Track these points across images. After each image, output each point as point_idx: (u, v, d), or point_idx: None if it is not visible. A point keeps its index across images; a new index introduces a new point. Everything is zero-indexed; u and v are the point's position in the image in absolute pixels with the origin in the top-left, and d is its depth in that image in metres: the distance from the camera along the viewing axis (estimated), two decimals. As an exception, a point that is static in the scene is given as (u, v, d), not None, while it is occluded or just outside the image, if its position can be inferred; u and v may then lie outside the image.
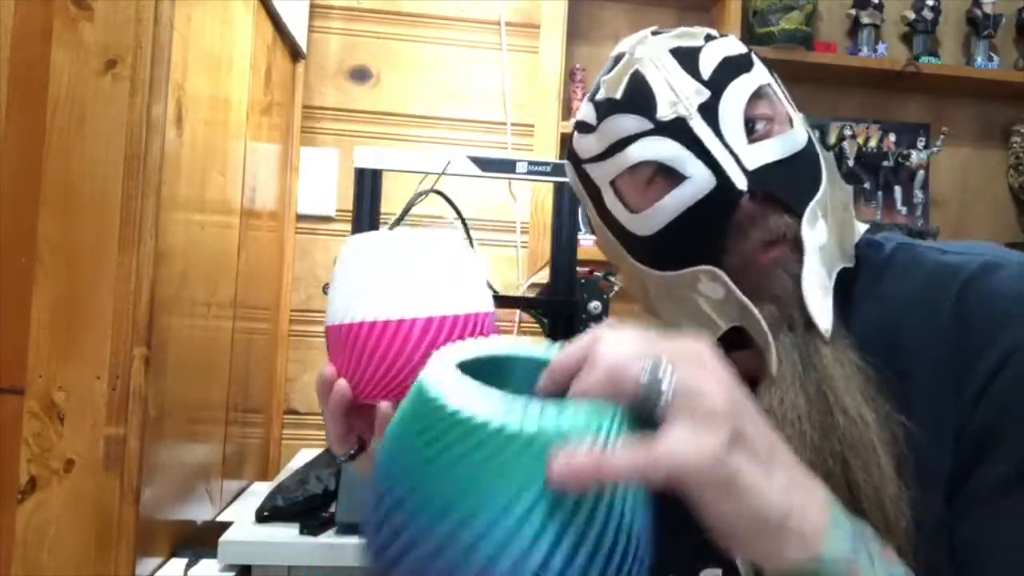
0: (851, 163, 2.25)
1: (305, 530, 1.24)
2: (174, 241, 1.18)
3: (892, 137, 2.28)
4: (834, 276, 0.69)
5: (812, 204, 0.70)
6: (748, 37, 2.09)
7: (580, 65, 2.14)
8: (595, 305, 1.43)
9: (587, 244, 1.77)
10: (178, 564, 1.22)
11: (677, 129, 0.70)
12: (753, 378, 0.65)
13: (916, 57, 2.21)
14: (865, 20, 2.23)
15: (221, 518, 1.46)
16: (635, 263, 0.74)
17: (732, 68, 0.72)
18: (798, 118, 0.74)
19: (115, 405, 1.08)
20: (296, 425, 1.94)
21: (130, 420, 1.08)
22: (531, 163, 1.50)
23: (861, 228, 0.77)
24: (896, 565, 0.56)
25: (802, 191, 0.70)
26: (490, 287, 0.76)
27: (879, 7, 2.23)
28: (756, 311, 0.67)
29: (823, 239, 0.69)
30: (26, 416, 1.06)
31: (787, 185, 0.70)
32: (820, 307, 0.67)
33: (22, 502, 1.06)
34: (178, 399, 1.24)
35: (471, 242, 1.46)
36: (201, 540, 1.29)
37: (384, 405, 0.66)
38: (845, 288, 0.70)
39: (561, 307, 1.46)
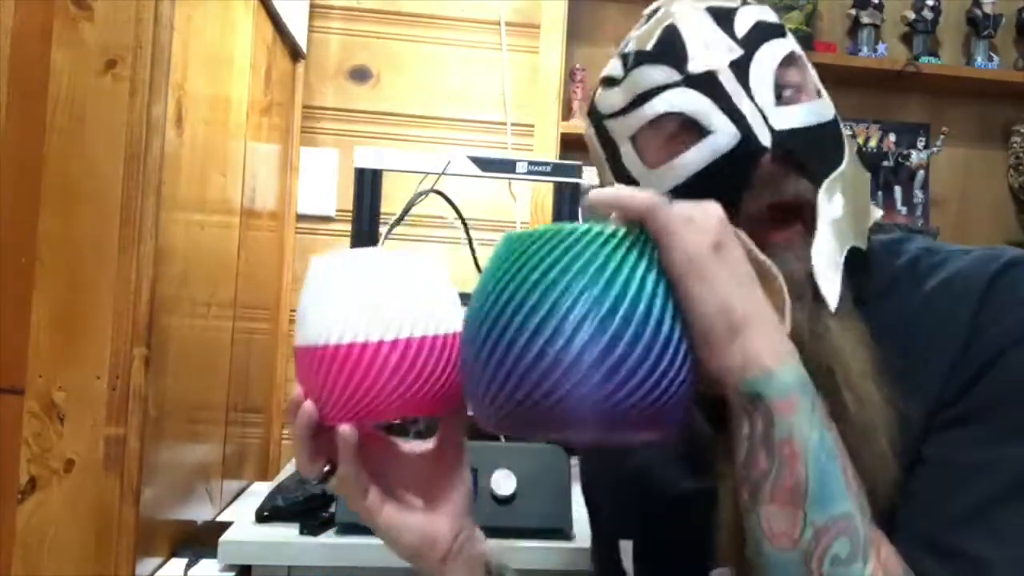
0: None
1: (305, 530, 1.24)
2: (174, 241, 1.18)
3: (892, 137, 2.28)
4: (844, 252, 0.69)
5: (834, 176, 0.70)
6: (748, 37, 2.09)
7: (580, 65, 2.14)
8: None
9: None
10: (178, 564, 1.22)
11: (706, 83, 0.70)
12: None
13: (916, 57, 2.21)
14: (865, 20, 2.23)
15: (221, 518, 1.46)
16: None
17: (766, 32, 0.72)
18: (825, 92, 0.74)
19: (115, 405, 1.08)
20: (296, 425, 1.92)
21: (130, 420, 1.08)
22: (531, 163, 1.50)
23: (877, 213, 0.77)
24: (832, 430, 0.60)
25: (825, 161, 0.71)
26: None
27: (879, 7, 2.23)
28: (774, 267, 0.66)
29: (839, 212, 0.69)
30: (26, 416, 1.06)
31: (811, 151, 0.70)
32: (829, 281, 0.68)
33: (22, 502, 1.06)
34: (178, 399, 1.24)
35: (471, 242, 1.46)
36: (201, 540, 1.29)
37: (344, 428, 0.65)
38: (857, 284, 0.70)
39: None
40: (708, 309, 0.59)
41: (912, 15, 2.25)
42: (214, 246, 1.41)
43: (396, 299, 0.65)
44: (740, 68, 0.70)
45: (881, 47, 2.23)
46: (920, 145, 2.28)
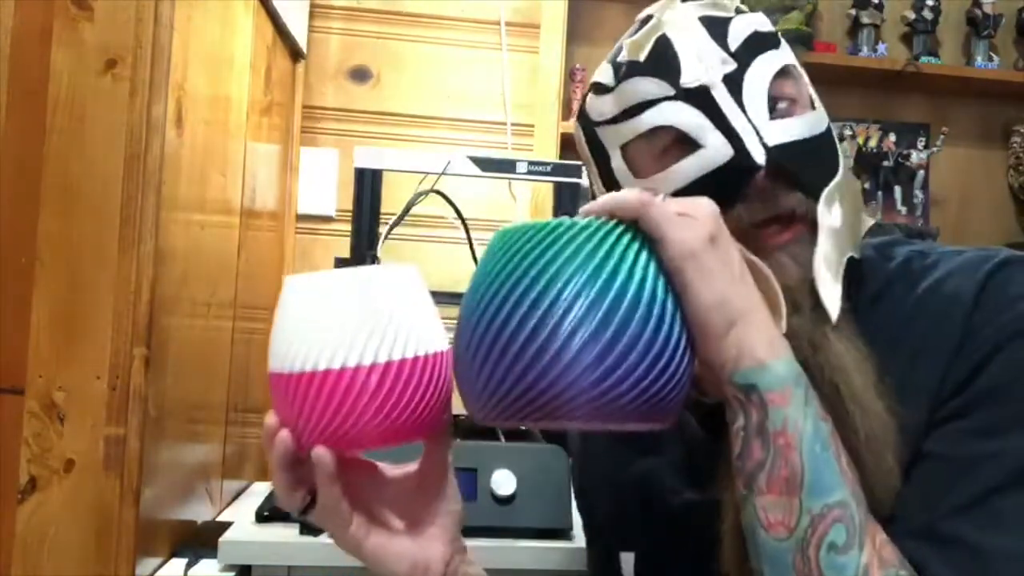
0: (851, 163, 2.25)
1: (305, 530, 1.24)
2: (174, 241, 1.18)
3: (892, 137, 2.28)
4: (844, 263, 0.69)
5: (831, 186, 0.70)
6: (748, 37, 2.09)
7: (580, 65, 2.14)
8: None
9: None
10: (178, 564, 1.22)
11: (699, 97, 0.69)
12: None
13: (916, 57, 2.21)
14: (865, 20, 2.23)
15: (221, 518, 1.46)
16: None
17: (760, 43, 0.72)
18: (819, 103, 0.74)
19: (115, 405, 1.08)
20: (296, 425, 1.93)
21: (130, 420, 1.08)
22: (531, 163, 1.50)
23: (869, 221, 0.77)
24: (827, 420, 0.61)
25: (820, 173, 0.70)
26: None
27: (879, 7, 2.23)
28: (765, 266, 0.66)
29: (838, 222, 0.69)
30: (26, 416, 1.06)
31: (805, 165, 0.70)
32: (830, 290, 0.67)
33: (22, 502, 1.06)
34: (178, 399, 1.24)
35: (471, 242, 1.46)
36: (201, 540, 1.29)
37: (319, 451, 0.62)
38: (851, 289, 0.70)
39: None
40: (705, 302, 0.59)
41: (912, 15, 2.25)
42: (214, 246, 1.41)
43: (374, 320, 0.61)
44: (734, 82, 0.69)
45: (881, 47, 2.23)
46: (920, 145, 2.28)
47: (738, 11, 0.73)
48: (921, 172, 2.28)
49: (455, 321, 0.64)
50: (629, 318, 0.57)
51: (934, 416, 0.66)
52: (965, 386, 0.65)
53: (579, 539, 1.24)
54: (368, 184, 1.48)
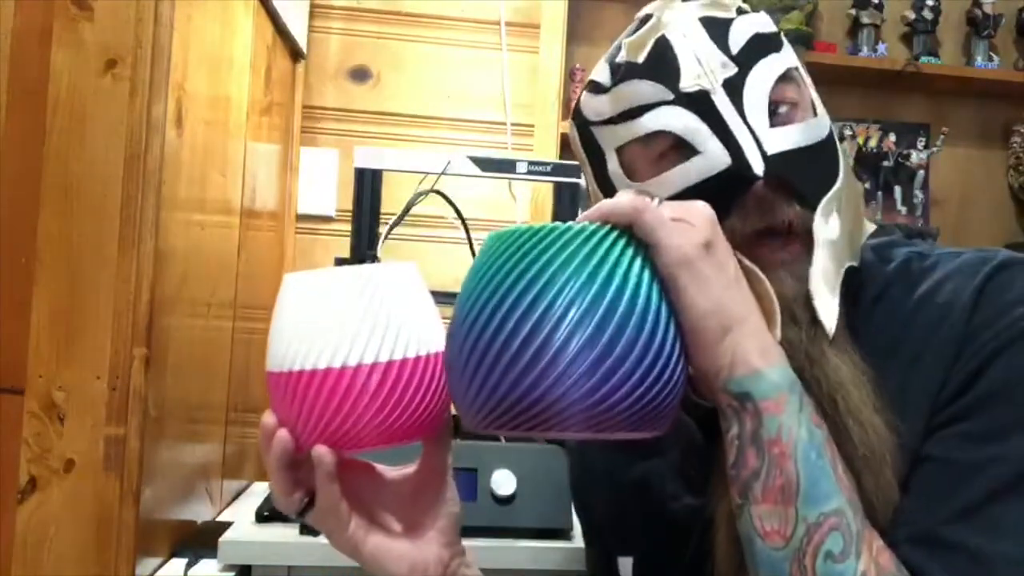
0: (851, 163, 2.25)
1: (305, 530, 1.24)
2: (174, 241, 1.18)
3: (892, 137, 2.28)
4: (842, 274, 0.68)
5: (829, 196, 0.68)
6: (748, 37, 2.09)
7: (580, 65, 2.14)
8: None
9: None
10: (178, 564, 1.22)
11: (698, 102, 0.67)
12: None
13: (916, 57, 2.21)
14: (865, 20, 2.22)
15: (221, 518, 1.46)
16: None
17: (762, 46, 0.70)
18: (821, 107, 0.72)
19: (115, 405, 1.08)
20: (296, 425, 1.92)
21: (130, 420, 1.08)
22: (531, 163, 1.50)
23: (869, 227, 0.76)
24: (822, 427, 0.61)
25: (819, 182, 0.69)
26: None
27: (879, 7, 2.23)
28: (760, 273, 0.65)
29: (835, 234, 0.68)
30: (26, 416, 1.06)
31: (805, 174, 0.68)
32: (826, 304, 0.66)
33: (22, 502, 1.06)
34: (178, 399, 1.24)
35: (471, 242, 1.46)
36: (201, 540, 1.29)
37: (320, 449, 0.61)
38: (850, 294, 0.69)
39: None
40: (699, 309, 0.59)
41: (912, 15, 2.25)
42: (214, 246, 1.41)
43: (374, 319, 0.61)
44: (734, 87, 0.68)
45: (881, 47, 2.23)
46: (920, 145, 2.28)
47: (739, 11, 0.71)
48: (921, 172, 2.28)
49: None
50: (623, 326, 0.56)
51: (933, 420, 0.65)
52: (964, 390, 0.64)
53: (579, 539, 1.24)
54: (368, 184, 1.48)
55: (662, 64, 0.69)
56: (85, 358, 1.07)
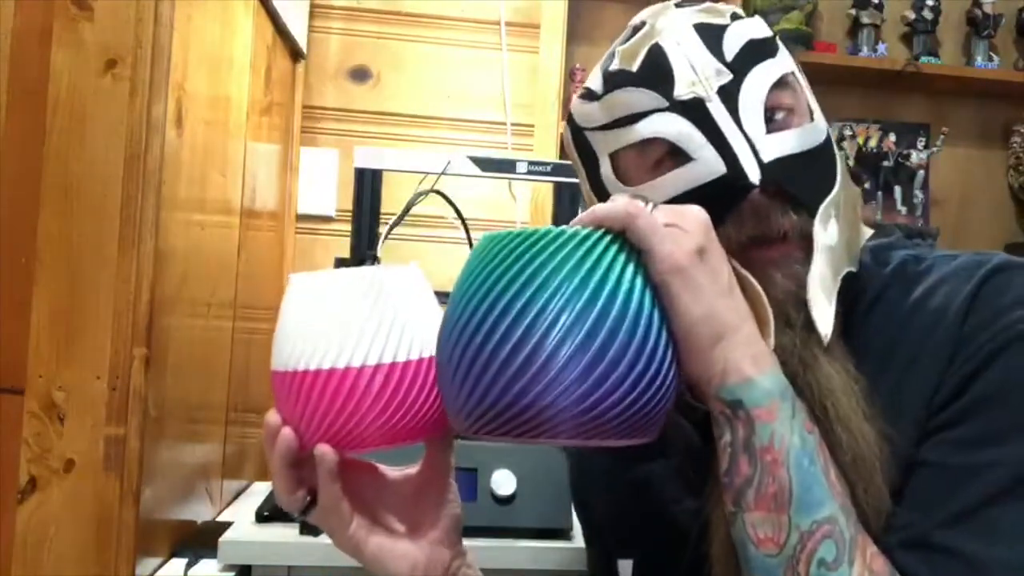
0: (851, 163, 2.25)
1: (305, 530, 1.24)
2: (174, 241, 1.18)
3: (892, 137, 2.28)
4: (839, 280, 0.67)
5: (826, 202, 0.67)
6: (748, 37, 2.09)
7: (580, 65, 2.14)
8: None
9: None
10: (178, 564, 1.22)
11: (693, 110, 0.67)
12: None
13: (916, 57, 2.21)
14: (865, 20, 2.23)
15: (221, 518, 1.46)
16: None
17: (757, 52, 0.69)
18: (818, 111, 0.72)
19: (115, 405, 1.08)
20: (296, 425, 1.92)
21: (130, 420, 1.08)
22: (531, 163, 1.50)
23: (867, 232, 0.76)
24: (814, 433, 0.61)
25: (817, 188, 0.68)
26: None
27: (879, 7, 2.23)
28: (753, 280, 0.64)
29: (833, 240, 0.67)
30: (26, 416, 1.06)
31: (802, 181, 0.67)
32: (823, 311, 0.66)
33: (22, 502, 1.06)
34: (178, 399, 1.24)
35: (471, 242, 1.46)
36: (201, 540, 1.29)
37: (322, 448, 0.62)
38: (848, 298, 0.69)
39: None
40: (691, 316, 0.59)
41: (912, 15, 2.25)
42: (214, 246, 1.41)
43: (378, 321, 0.61)
44: (729, 94, 0.67)
45: (881, 47, 2.23)
46: (920, 145, 2.28)
47: (734, 17, 0.71)
48: (921, 172, 2.28)
49: None
50: (615, 332, 0.55)
51: (929, 424, 0.65)
52: (959, 394, 0.64)
53: (579, 539, 1.24)
54: (368, 184, 1.48)
55: (656, 72, 0.68)
56: (85, 358, 1.07)
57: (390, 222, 1.45)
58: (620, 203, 0.60)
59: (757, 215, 0.66)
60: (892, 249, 0.76)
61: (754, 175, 0.66)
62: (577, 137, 0.75)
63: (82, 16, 1.08)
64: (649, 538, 0.80)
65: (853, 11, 2.25)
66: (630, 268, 0.58)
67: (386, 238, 1.47)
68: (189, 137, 1.22)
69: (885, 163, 2.27)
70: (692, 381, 0.61)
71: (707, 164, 0.66)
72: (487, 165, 1.50)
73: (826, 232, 0.67)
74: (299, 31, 1.88)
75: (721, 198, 0.66)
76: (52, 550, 1.06)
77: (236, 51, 1.46)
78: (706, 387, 0.61)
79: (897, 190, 2.29)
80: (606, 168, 0.72)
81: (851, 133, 2.25)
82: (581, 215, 0.61)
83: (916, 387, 0.66)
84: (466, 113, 2.05)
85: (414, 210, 1.42)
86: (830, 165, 0.70)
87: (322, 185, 1.99)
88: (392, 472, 0.72)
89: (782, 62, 0.70)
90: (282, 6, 1.69)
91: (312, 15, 1.99)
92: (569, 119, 0.76)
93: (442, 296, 0.70)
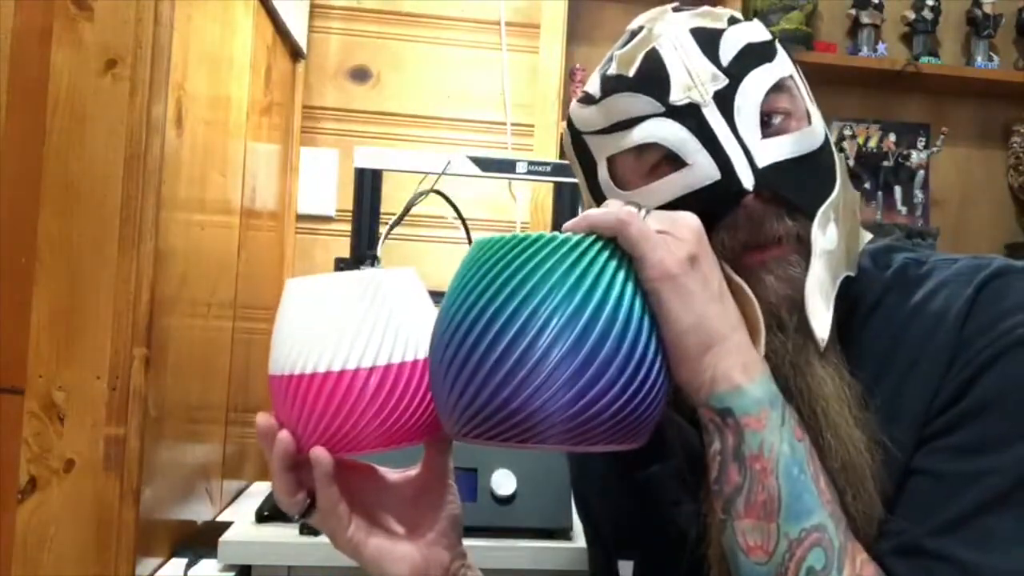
0: (851, 163, 2.25)
1: (305, 530, 1.24)
2: (174, 241, 1.18)
3: (892, 137, 2.28)
4: (837, 285, 0.67)
5: (825, 206, 0.67)
6: (748, 37, 2.09)
7: (580, 65, 2.14)
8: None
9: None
10: (178, 564, 1.22)
11: (688, 115, 0.67)
12: None
13: (916, 57, 2.21)
14: (865, 20, 2.22)
15: (221, 518, 1.46)
16: None
17: (754, 56, 0.69)
18: (817, 114, 0.71)
19: (115, 405, 1.08)
20: (296, 425, 1.92)
21: (130, 420, 1.08)
22: (531, 163, 1.50)
23: (866, 236, 0.75)
24: (804, 440, 0.61)
25: (814, 192, 0.68)
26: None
27: (879, 7, 2.23)
28: (746, 286, 0.64)
29: (832, 244, 0.67)
30: (26, 416, 1.06)
31: (798, 185, 0.67)
32: (820, 315, 0.65)
33: (22, 502, 1.06)
34: (178, 399, 1.24)
35: (471, 243, 1.46)
36: (201, 540, 1.29)
37: (317, 450, 0.62)
38: (847, 301, 0.69)
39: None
40: (681, 324, 0.59)
41: (912, 15, 2.25)
42: (214, 246, 1.41)
43: (374, 323, 0.62)
44: (725, 100, 0.67)
45: (881, 47, 2.23)
46: (920, 145, 2.28)
47: (732, 21, 0.71)
48: (921, 172, 2.28)
49: None
50: (605, 337, 0.56)
51: (926, 429, 0.65)
52: (957, 399, 0.64)
53: (579, 539, 1.24)
54: (368, 184, 1.48)
55: (652, 78, 0.68)
56: (85, 358, 1.07)
57: (390, 222, 1.45)
58: (612, 209, 0.60)
59: (751, 221, 0.66)
60: (892, 252, 0.75)
61: (748, 181, 0.65)
62: (576, 141, 0.75)
63: (82, 16, 1.08)
64: (650, 540, 0.80)
65: (853, 11, 2.25)
66: (621, 274, 0.58)
67: (386, 238, 1.47)
68: (189, 137, 1.22)
69: (885, 163, 2.26)
70: (683, 388, 0.61)
71: (702, 169, 0.66)
72: (487, 165, 1.50)
73: (825, 236, 0.67)
74: (299, 31, 1.88)
75: (715, 204, 0.66)
76: (52, 550, 1.06)
77: (236, 51, 1.46)
78: (696, 395, 0.61)
79: (897, 190, 2.29)
80: (603, 172, 0.72)
81: (851, 133, 2.25)
82: (574, 220, 0.61)
83: (916, 391, 0.66)
84: (466, 113, 2.05)
85: (414, 210, 1.42)
86: (829, 169, 0.70)
87: (322, 185, 1.99)
88: (391, 474, 0.72)
89: (780, 66, 0.70)
90: (282, 6, 1.69)
91: (312, 15, 1.99)
92: (568, 123, 0.76)
93: (440, 297, 0.70)
